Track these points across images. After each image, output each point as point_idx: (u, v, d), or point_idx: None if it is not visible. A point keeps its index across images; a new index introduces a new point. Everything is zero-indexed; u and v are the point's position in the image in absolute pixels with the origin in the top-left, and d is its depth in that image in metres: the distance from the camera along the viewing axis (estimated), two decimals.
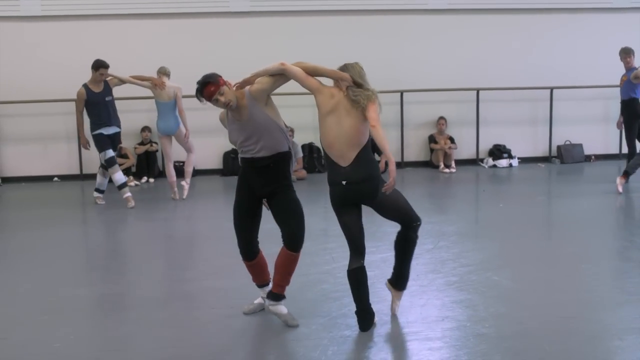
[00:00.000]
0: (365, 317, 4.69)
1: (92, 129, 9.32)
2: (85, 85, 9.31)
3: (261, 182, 4.78)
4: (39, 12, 12.06)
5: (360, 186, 4.62)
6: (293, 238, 4.76)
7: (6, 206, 10.64)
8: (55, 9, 12.08)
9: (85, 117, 9.43)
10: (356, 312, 4.70)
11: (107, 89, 9.41)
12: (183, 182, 10.08)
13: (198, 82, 4.65)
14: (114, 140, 9.48)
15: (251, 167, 4.79)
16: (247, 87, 4.71)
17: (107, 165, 9.39)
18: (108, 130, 9.38)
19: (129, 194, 9.51)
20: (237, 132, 4.77)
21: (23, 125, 12.26)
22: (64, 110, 12.11)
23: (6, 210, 10.27)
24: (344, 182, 4.59)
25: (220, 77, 4.65)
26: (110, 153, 9.36)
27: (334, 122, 4.60)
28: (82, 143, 9.70)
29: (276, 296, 4.85)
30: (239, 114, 4.71)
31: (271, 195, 4.81)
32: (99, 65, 9.27)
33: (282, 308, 4.84)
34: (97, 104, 9.29)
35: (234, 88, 4.70)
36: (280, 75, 4.68)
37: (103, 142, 9.32)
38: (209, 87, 4.58)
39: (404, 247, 4.91)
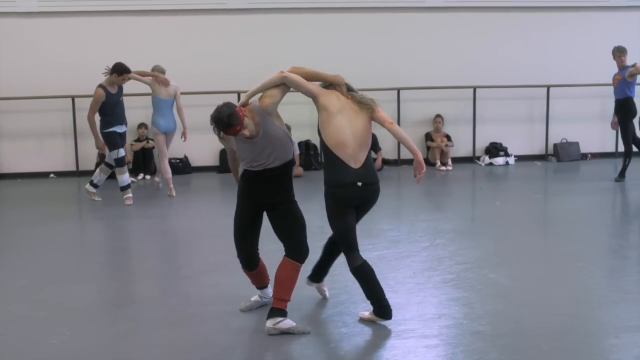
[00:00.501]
0: (387, 306, 4.71)
1: (104, 127, 9.20)
2: (103, 87, 9.12)
3: (269, 191, 4.70)
4: (35, 9, 12.03)
5: (372, 188, 4.67)
6: (301, 248, 4.70)
7: (2, 202, 10.61)
8: (52, 5, 12.05)
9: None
10: (375, 305, 4.72)
11: (120, 89, 9.36)
12: (157, 178, 10.24)
13: (218, 120, 4.32)
14: (122, 139, 9.47)
15: (261, 178, 4.67)
16: (256, 102, 4.57)
17: (117, 164, 9.32)
18: (121, 129, 9.37)
19: (130, 194, 9.50)
20: (248, 150, 4.60)
21: (19, 122, 12.23)
22: (60, 106, 12.11)
23: (2, 207, 10.24)
24: (359, 184, 4.58)
25: (238, 108, 4.38)
26: (122, 152, 9.33)
27: (345, 121, 4.60)
28: (98, 145, 9.40)
29: (281, 312, 4.60)
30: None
31: (275, 206, 4.74)
32: (123, 71, 9.11)
33: (289, 322, 4.58)
34: (114, 105, 9.22)
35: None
36: (284, 84, 4.62)
37: (116, 141, 9.26)
38: (235, 128, 4.34)
39: (336, 250, 4.99)
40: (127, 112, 9.67)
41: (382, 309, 4.72)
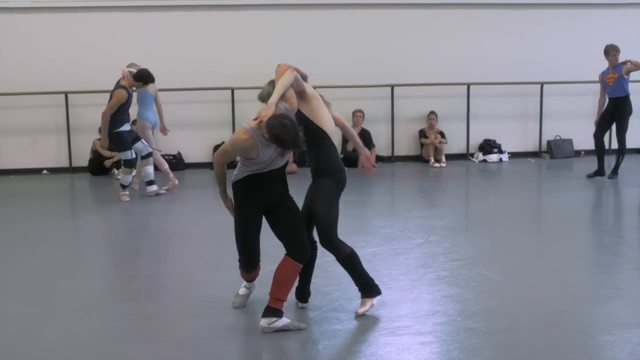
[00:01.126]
0: (375, 283, 4.90)
1: (114, 127, 9.15)
2: (125, 88, 9.14)
3: (272, 190, 4.69)
4: (29, 4, 11.99)
5: None
6: (304, 248, 4.67)
7: None
8: (45, 0, 12.01)
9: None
10: (366, 286, 4.85)
11: (132, 90, 9.45)
12: (135, 186, 10.24)
13: (285, 141, 4.33)
14: (131, 135, 9.51)
15: (264, 178, 4.63)
16: (283, 104, 4.53)
17: (125, 165, 9.36)
18: (127, 127, 9.39)
19: (127, 191, 9.51)
20: (269, 154, 4.54)
21: (12, 118, 12.19)
22: (53, 102, 12.08)
23: None
24: (345, 168, 4.79)
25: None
26: (134, 154, 9.40)
27: (326, 112, 4.73)
28: (103, 145, 9.55)
29: (276, 312, 4.56)
30: None
31: (275, 205, 4.73)
32: (149, 80, 9.30)
33: (284, 320, 4.57)
34: (128, 106, 9.30)
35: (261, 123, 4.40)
36: None
37: (126, 140, 9.31)
38: (299, 148, 4.47)
39: (309, 263, 4.95)
40: None
41: (373, 288, 4.87)
